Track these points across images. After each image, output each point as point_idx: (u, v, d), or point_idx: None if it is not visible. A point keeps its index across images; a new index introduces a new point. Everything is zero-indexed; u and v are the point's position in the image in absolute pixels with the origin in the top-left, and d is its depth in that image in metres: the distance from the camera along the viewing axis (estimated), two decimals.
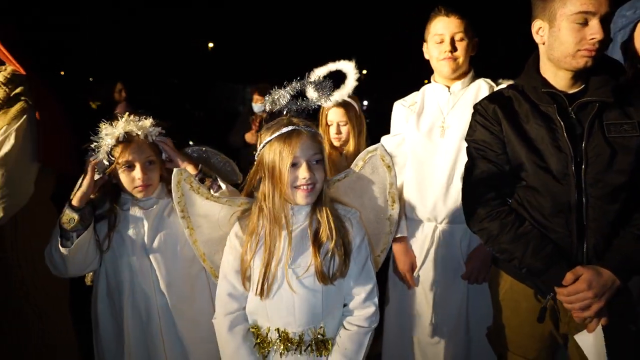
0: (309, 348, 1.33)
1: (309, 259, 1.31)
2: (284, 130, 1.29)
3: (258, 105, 4.32)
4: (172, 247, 1.61)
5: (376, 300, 1.40)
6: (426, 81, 2.13)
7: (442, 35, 1.92)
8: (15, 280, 1.94)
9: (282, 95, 1.34)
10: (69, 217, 1.48)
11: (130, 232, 1.58)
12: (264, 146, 1.32)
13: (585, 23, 1.33)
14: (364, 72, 25.27)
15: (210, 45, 17.01)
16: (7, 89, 1.85)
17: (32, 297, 1.98)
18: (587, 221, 1.38)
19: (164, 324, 1.58)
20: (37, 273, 1.97)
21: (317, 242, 1.31)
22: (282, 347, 1.33)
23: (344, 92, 2.03)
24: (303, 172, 1.28)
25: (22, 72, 1.91)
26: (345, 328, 1.38)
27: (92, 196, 1.56)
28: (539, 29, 1.45)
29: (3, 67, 1.94)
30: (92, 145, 1.54)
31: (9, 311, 1.94)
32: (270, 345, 1.35)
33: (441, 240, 1.95)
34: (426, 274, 1.97)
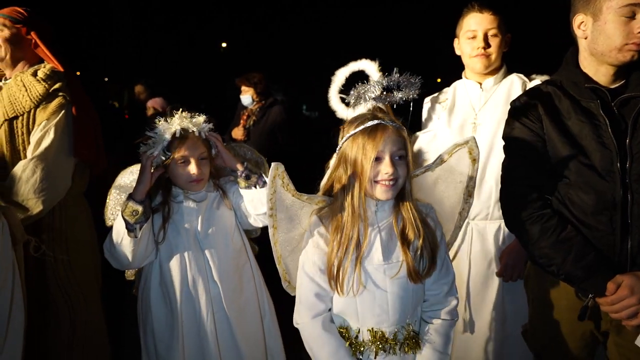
0: (403, 346, 1.32)
1: (399, 256, 1.30)
2: (369, 124, 1.26)
3: (246, 97, 3.99)
4: (223, 238, 1.68)
5: (456, 292, 1.42)
6: (439, 79, 2.12)
7: (474, 31, 1.91)
8: (49, 272, 1.98)
9: (370, 90, 1.32)
10: (133, 209, 1.52)
11: (185, 224, 1.64)
12: (346, 140, 1.29)
13: (632, 16, 1.31)
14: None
15: (224, 45, 17.13)
16: (46, 85, 1.89)
17: (65, 288, 2.02)
18: (632, 219, 1.35)
19: (216, 313, 1.63)
20: (70, 265, 2.01)
21: (405, 239, 1.30)
22: (376, 347, 1.31)
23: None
24: (386, 167, 1.24)
25: (61, 69, 1.95)
26: (431, 324, 1.38)
27: None
28: (581, 24, 1.43)
29: (42, 65, 1.99)
30: (149, 141, 1.58)
31: (41, 302, 1.98)
32: (362, 346, 1.31)
33: (473, 237, 1.94)
34: (458, 270, 1.96)
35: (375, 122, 1.26)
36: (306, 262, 1.35)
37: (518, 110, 1.56)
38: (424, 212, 1.36)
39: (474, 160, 1.38)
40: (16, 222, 1.51)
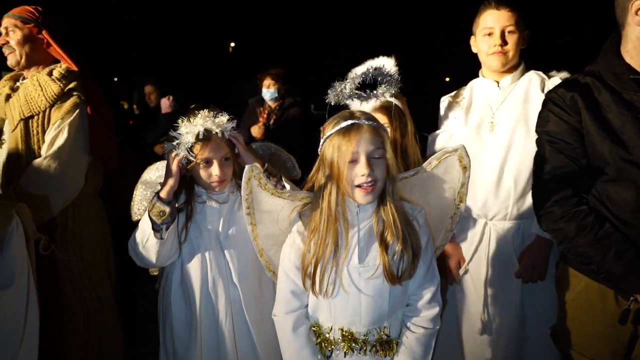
0: (374, 348, 1.31)
1: (377, 259, 1.28)
2: (344, 124, 1.24)
3: (271, 91, 3.89)
4: (243, 240, 1.65)
5: (440, 298, 1.37)
6: (447, 79, 2.09)
7: (491, 29, 1.88)
8: (62, 272, 1.98)
9: (345, 87, 1.31)
10: (160, 209, 1.51)
11: (208, 225, 1.64)
12: (324, 141, 1.29)
13: None
14: None
15: (232, 44, 17.17)
16: (61, 84, 1.89)
17: (78, 288, 2.02)
18: None
19: (235, 315, 1.63)
20: (83, 265, 2.01)
21: (384, 242, 1.28)
22: (346, 347, 1.31)
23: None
24: (361, 168, 1.22)
25: (74, 67, 1.95)
26: (410, 330, 1.34)
27: None
28: (639, 10, 1.35)
29: (58, 65, 1.99)
30: (174, 142, 1.57)
31: (56, 302, 1.98)
32: (333, 344, 1.33)
33: (492, 237, 1.91)
34: (477, 270, 1.93)
35: (350, 122, 1.24)
36: (284, 258, 1.37)
37: (554, 101, 1.49)
38: (410, 214, 1.33)
39: (465, 169, 1.36)
40: (28, 220, 1.50)
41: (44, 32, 1.96)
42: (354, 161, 1.23)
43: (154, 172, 1.85)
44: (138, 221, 1.84)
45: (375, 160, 1.24)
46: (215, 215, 1.65)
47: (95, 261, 2.06)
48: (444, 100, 2.10)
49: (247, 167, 1.32)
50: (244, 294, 1.64)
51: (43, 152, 1.88)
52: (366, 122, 1.25)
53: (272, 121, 3.92)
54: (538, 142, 1.57)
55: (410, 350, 1.31)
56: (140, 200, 1.84)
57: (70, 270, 1.99)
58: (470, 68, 2.10)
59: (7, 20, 1.96)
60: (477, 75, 2.04)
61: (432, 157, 1.37)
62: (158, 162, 1.86)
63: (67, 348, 2.02)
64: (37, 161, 1.84)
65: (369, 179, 1.22)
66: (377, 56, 1.56)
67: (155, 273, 1.88)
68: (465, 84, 2.09)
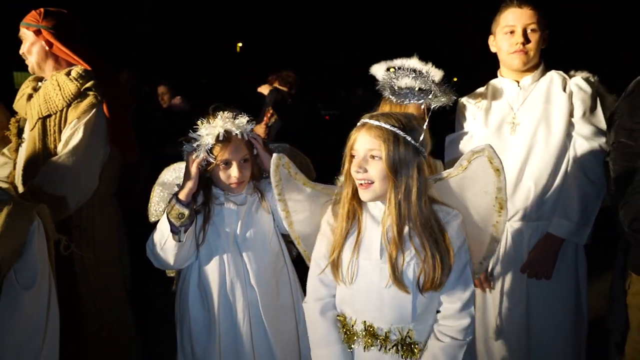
0: (394, 348, 1.29)
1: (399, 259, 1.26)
2: (359, 123, 1.30)
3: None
4: (261, 242, 1.66)
5: (473, 310, 1.31)
6: (455, 79, 2.07)
7: (513, 27, 1.85)
8: (78, 272, 1.98)
9: (397, 80, 1.32)
10: (179, 212, 1.49)
11: (226, 226, 1.62)
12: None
13: None
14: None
15: (239, 45, 17.18)
16: (78, 84, 1.89)
17: (92, 289, 2.02)
18: None
19: (252, 317, 1.61)
20: (97, 266, 2.01)
21: (396, 245, 1.25)
22: (366, 341, 1.31)
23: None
24: (354, 165, 1.26)
25: (86, 66, 1.96)
26: (437, 337, 1.30)
27: None
28: None
29: (74, 67, 1.99)
30: (193, 143, 1.55)
31: (72, 303, 1.97)
32: (355, 337, 1.33)
33: (508, 238, 1.88)
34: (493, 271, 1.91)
35: (362, 121, 1.29)
36: (315, 247, 1.42)
37: None
38: (442, 218, 1.29)
39: (498, 171, 1.29)
40: (49, 220, 1.49)
41: (43, 33, 1.93)
42: (353, 157, 1.29)
43: (171, 174, 1.84)
44: (156, 222, 1.84)
45: (372, 160, 1.25)
46: (233, 217, 1.63)
47: (110, 262, 2.06)
48: (462, 101, 2.08)
49: (274, 155, 1.36)
50: (261, 296, 1.62)
51: (59, 151, 1.88)
52: (370, 122, 1.27)
53: (273, 120, 3.92)
54: (618, 146, 1.51)
55: (433, 359, 1.28)
56: (158, 201, 1.83)
57: (84, 270, 1.98)
58: (474, 68, 2.07)
59: (20, 29, 1.96)
60: (483, 75, 2.02)
61: (461, 158, 1.32)
62: (175, 164, 1.84)
63: (83, 348, 2.02)
64: (52, 160, 1.84)
65: (360, 177, 1.26)
66: (382, 55, 1.58)
67: (172, 275, 1.87)
68: (475, 83, 2.07)
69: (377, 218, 1.31)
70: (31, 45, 1.96)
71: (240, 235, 1.63)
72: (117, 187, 2.13)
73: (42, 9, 1.96)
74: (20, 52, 1.99)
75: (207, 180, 1.63)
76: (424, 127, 1.27)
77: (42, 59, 1.97)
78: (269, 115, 3.95)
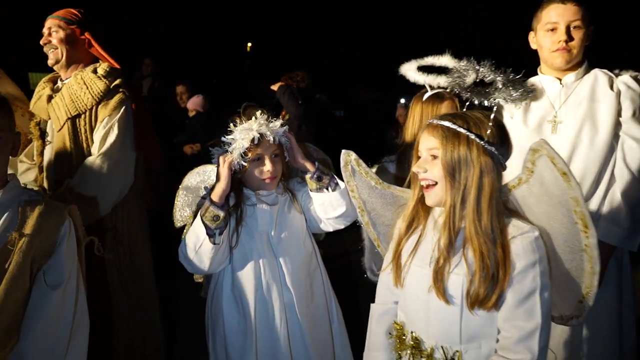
0: None
1: (448, 269, 1.18)
2: (428, 121, 1.24)
3: None
4: (295, 243, 1.61)
5: (536, 346, 1.10)
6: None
7: (556, 24, 1.78)
8: (112, 273, 1.96)
9: (469, 73, 1.25)
10: (214, 214, 1.45)
11: (259, 228, 1.58)
12: None
13: None
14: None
15: (249, 44, 17.15)
16: (107, 82, 1.88)
17: (127, 288, 1.99)
18: None
19: (289, 319, 1.58)
20: (133, 266, 1.99)
21: (449, 249, 1.16)
22: (410, 354, 1.25)
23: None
24: (414, 166, 1.22)
25: (117, 66, 1.94)
26: None
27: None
28: None
29: (97, 65, 1.97)
30: (226, 146, 1.51)
31: (103, 303, 1.95)
32: (404, 348, 1.27)
33: None
34: None
35: (429, 120, 1.23)
36: (387, 252, 1.38)
37: None
38: (510, 233, 1.14)
39: (565, 175, 1.05)
40: (80, 222, 1.45)
41: (86, 33, 1.97)
42: (419, 158, 1.23)
43: (195, 177, 1.80)
44: (182, 228, 1.79)
45: (433, 160, 1.19)
46: (267, 218, 1.59)
47: (144, 262, 2.05)
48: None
49: (343, 151, 1.34)
50: (297, 298, 1.58)
51: (94, 150, 1.86)
52: (434, 121, 1.21)
53: (286, 119, 3.87)
54: None
55: None
56: (182, 206, 1.79)
57: (120, 271, 1.96)
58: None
59: (50, 21, 1.96)
60: None
61: (525, 159, 1.14)
62: (200, 167, 1.80)
63: (114, 347, 1.99)
64: (90, 160, 1.83)
65: (421, 177, 1.21)
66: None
67: (199, 280, 1.82)
68: None
69: (439, 224, 1.24)
70: (67, 39, 1.95)
71: (274, 237, 1.59)
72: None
73: (81, 9, 2.00)
74: (45, 41, 1.96)
75: (238, 182, 1.58)
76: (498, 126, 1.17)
77: (74, 55, 1.97)
78: (282, 115, 3.93)
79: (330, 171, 1.57)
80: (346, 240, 3.49)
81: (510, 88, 1.22)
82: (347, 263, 3.65)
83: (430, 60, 1.99)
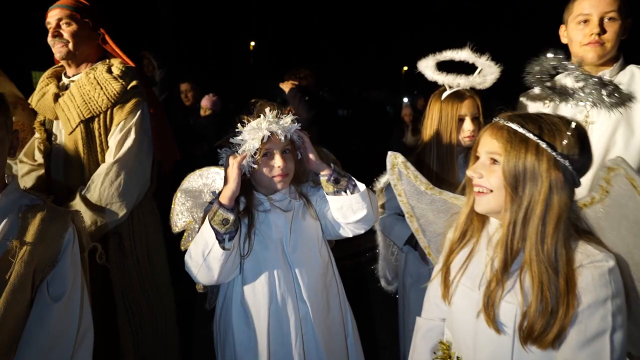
0: None
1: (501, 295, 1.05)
2: (494, 119, 1.12)
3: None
4: (312, 251, 1.51)
5: None
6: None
7: (588, 15, 1.67)
8: (133, 277, 1.89)
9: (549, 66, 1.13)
10: (223, 217, 1.35)
11: (273, 236, 1.47)
12: None
13: None
14: (405, 68, 24.88)
15: (252, 44, 17.08)
16: (123, 82, 1.77)
17: (147, 292, 1.92)
18: None
19: (305, 334, 1.47)
20: (152, 266, 1.92)
21: (504, 274, 1.03)
22: None
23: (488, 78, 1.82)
24: (469, 169, 1.09)
25: (132, 64, 1.82)
26: None
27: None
28: None
29: (110, 61, 1.84)
30: (235, 146, 1.41)
31: (121, 309, 1.88)
32: None
33: None
34: None
35: (494, 119, 1.10)
36: (437, 263, 1.28)
37: None
38: (579, 261, 0.98)
39: None
40: (83, 228, 1.36)
41: (101, 28, 1.84)
42: (478, 158, 1.11)
43: (197, 179, 1.69)
44: (180, 234, 1.68)
45: (492, 165, 1.06)
46: (280, 225, 1.48)
47: (161, 265, 1.97)
48: (523, 98, 1.89)
49: (390, 153, 1.27)
50: (313, 312, 1.48)
51: (110, 155, 1.75)
52: (499, 120, 1.08)
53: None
54: None
55: None
56: (180, 210, 1.68)
57: (140, 275, 1.89)
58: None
59: (59, 11, 1.78)
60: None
61: (596, 176, 1.01)
62: (202, 169, 1.69)
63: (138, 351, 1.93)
64: (107, 166, 1.72)
65: (475, 182, 1.08)
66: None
67: (202, 291, 1.71)
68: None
69: (494, 241, 1.11)
70: (81, 32, 1.80)
71: (289, 245, 1.48)
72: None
73: (93, 4, 1.86)
74: (54, 33, 1.79)
75: (248, 185, 1.47)
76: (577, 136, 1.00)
77: (86, 51, 1.84)
78: (288, 111, 3.79)
79: (347, 173, 1.47)
80: (354, 241, 3.41)
81: (603, 92, 1.09)
82: (356, 265, 3.55)
83: (449, 55, 1.89)
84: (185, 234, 1.68)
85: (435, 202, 1.27)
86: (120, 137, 1.74)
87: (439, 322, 1.25)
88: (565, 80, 1.75)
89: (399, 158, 1.24)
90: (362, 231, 1.52)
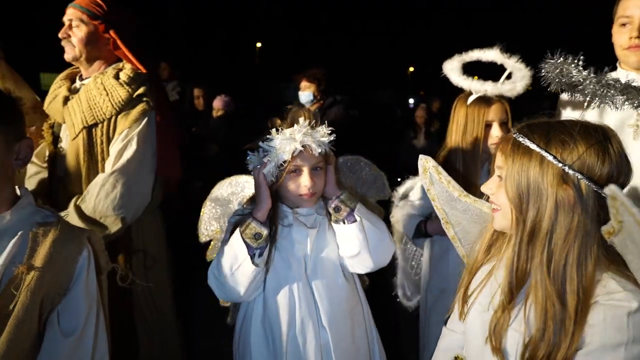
0: None
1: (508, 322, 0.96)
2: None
3: (307, 94, 3.56)
4: (334, 272, 1.40)
5: None
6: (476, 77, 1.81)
7: (630, 18, 1.55)
8: (135, 299, 1.82)
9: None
10: (256, 231, 1.27)
11: (296, 254, 1.38)
12: None
13: None
14: (411, 69, 24.72)
15: (258, 45, 17.05)
16: (129, 90, 1.67)
17: (142, 311, 1.85)
18: None
19: None
20: (149, 288, 1.80)
21: (510, 302, 0.94)
22: None
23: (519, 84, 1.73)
24: (484, 185, 1.01)
25: (143, 70, 1.72)
26: None
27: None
28: None
29: (120, 65, 1.75)
30: (263, 156, 1.32)
31: (125, 326, 1.80)
32: None
33: None
34: None
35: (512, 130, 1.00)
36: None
37: None
38: (596, 295, 0.86)
39: None
40: (101, 249, 1.27)
41: (111, 32, 1.72)
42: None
43: (226, 188, 1.65)
44: (207, 243, 1.64)
45: (500, 180, 0.97)
46: (304, 242, 1.38)
47: (162, 282, 1.88)
48: (564, 99, 1.78)
49: (421, 156, 1.19)
50: (334, 340, 1.36)
51: (108, 166, 1.67)
52: (512, 131, 0.99)
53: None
54: None
55: None
56: (209, 219, 1.64)
57: (134, 289, 1.78)
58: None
59: (72, 12, 1.71)
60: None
61: (609, 204, 0.83)
62: (232, 177, 1.65)
63: None
64: (103, 176, 1.63)
65: (490, 199, 1.00)
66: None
67: (226, 304, 1.64)
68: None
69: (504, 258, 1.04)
70: (88, 38, 1.72)
71: (310, 265, 1.38)
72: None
73: (107, 1, 1.74)
74: (64, 34, 1.73)
75: (274, 194, 1.36)
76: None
77: (95, 54, 1.76)
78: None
79: (354, 203, 1.36)
80: None
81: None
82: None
83: (475, 55, 1.80)
84: (212, 244, 1.64)
85: (468, 210, 1.18)
86: (121, 147, 1.65)
87: (460, 336, 1.16)
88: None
89: (430, 162, 1.15)
90: (362, 271, 1.43)
